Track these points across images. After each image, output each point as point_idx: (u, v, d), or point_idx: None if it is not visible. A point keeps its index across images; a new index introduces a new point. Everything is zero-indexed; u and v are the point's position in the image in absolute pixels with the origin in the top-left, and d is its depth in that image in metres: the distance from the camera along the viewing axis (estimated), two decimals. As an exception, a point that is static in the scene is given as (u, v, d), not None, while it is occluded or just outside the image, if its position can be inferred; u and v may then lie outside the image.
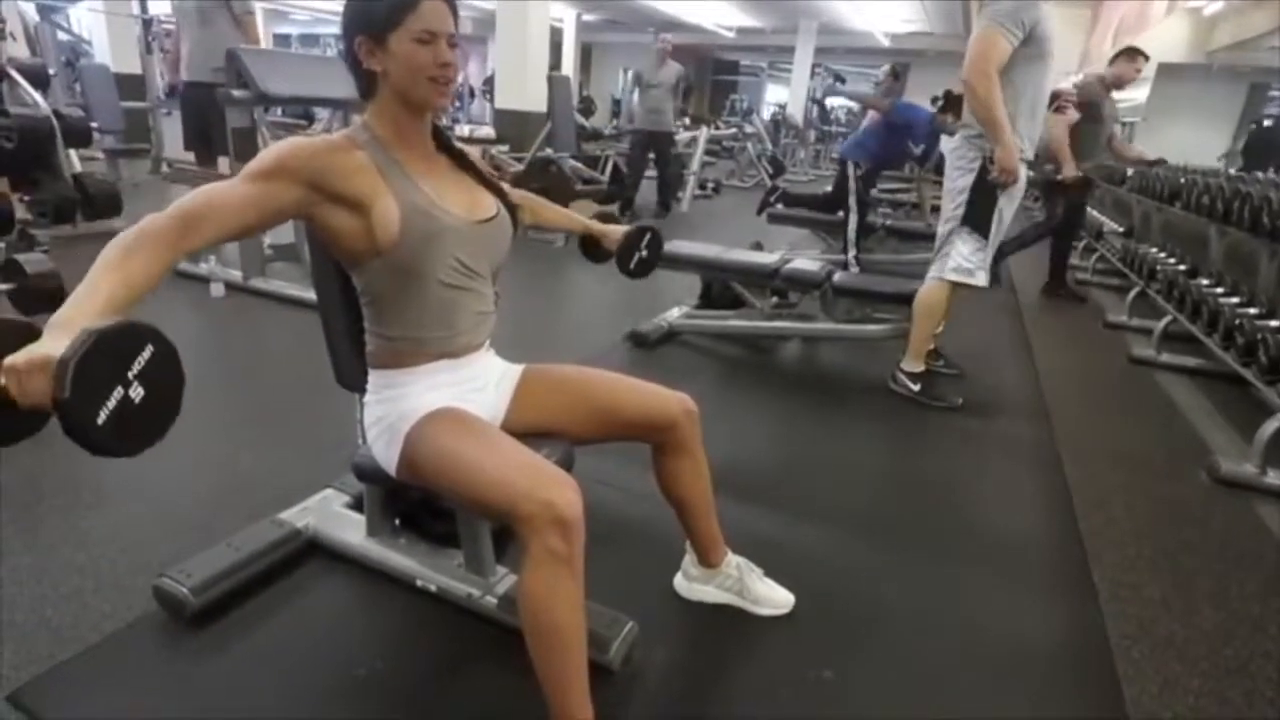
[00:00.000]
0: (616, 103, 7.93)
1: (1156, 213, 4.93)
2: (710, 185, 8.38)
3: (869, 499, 2.10)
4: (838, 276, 3.00)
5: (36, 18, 7.92)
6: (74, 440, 0.72)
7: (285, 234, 3.63)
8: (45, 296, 2.30)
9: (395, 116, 1.15)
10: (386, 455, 1.21)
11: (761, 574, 1.54)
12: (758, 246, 4.24)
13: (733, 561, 1.51)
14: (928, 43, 14.83)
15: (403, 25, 1.08)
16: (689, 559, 1.53)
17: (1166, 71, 12.91)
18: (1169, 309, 3.60)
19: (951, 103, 4.13)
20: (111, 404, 0.73)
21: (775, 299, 3.23)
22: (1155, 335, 3.53)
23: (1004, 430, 2.69)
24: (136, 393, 0.75)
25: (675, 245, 3.28)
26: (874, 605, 1.62)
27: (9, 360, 0.72)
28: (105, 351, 0.72)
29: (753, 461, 2.24)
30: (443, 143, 1.25)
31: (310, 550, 1.58)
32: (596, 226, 1.70)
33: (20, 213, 4.19)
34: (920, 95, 6.73)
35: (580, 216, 1.70)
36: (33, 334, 0.79)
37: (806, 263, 3.17)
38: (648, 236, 1.74)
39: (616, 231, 1.69)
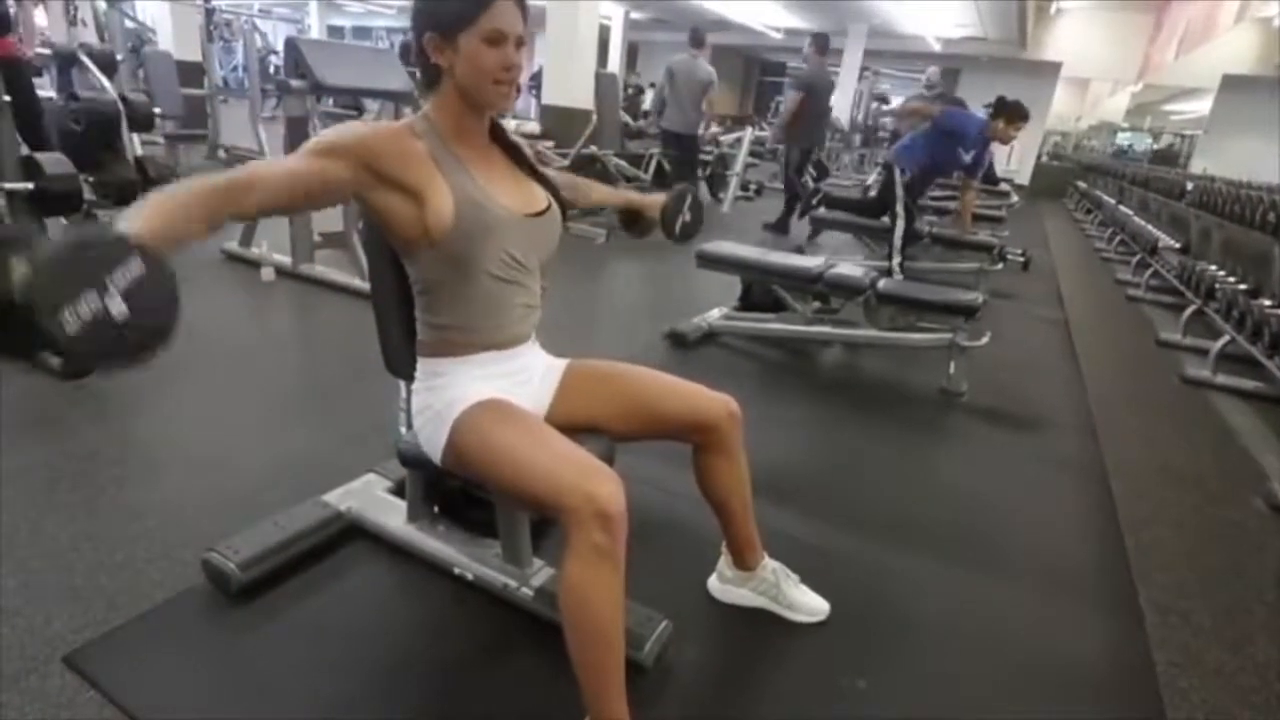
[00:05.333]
0: (664, 101, 7.80)
1: (1217, 229, 4.78)
2: (752, 187, 8.33)
3: (908, 508, 2.07)
4: (882, 283, 2.96)
5: (104, 4, 8.20)
6: (34, 338, 0.68)
7: (334, 222, 3.70)
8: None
9: (456, 111, 1.17)
10: (432, 442, 1.22)
11: (797, 580, 1.53)
12: (799, 250, 4.22)
13: (769, 566, 1.50)
14: (980, 48, 14.51)
15: (474, 25, 1.09)
16: (724, 560, 1.53)
17: (1232, 84, 12.50)
18: (1227, 329, 3.48)
19: (1003, 109, 4.03)
20: (84, 310, 0.68)
21: (817, 304, 3.20)
22: (1212, 355, 3.41)
23: (1049, 444, 2.63)
24: (118, 308, 0.71)
25: (717, 246, 3.28)
26: (910, 616, 1.60)
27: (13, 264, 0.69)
28: (83, 247, 0.67)
29: (791, 466, 2.22)
30: (499, 136, 1.27)
31: (352, 532, 1.61)
32: (638, 198, 1.71)
33: (85, 193, 4.36)
34: (972, 103, 6.58)
35: (624, 192, 1.73)
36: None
37: (850, 268, 3.13)
38: (689, 199, 1.75)
39: (657, 200, 1.70)
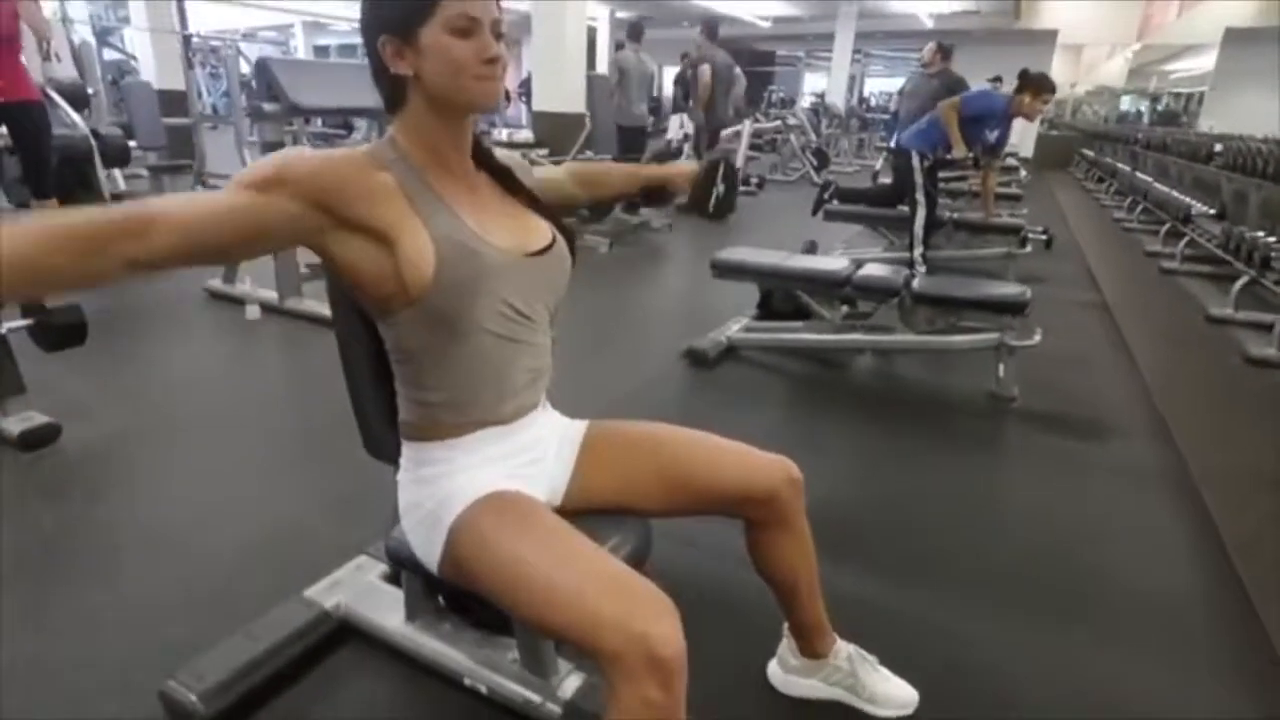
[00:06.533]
0: (654, 99, 7.60)
1: (1255, 191, 4.49)
2: (754, 181, 8.06)
3: (981, 549, 1.81)
4: (917, 283, 2.70)
5: (86, 38, 7.98)
6: None
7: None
8: (67, 333, 2.14)
9: (429, 130, 0.92)
10: (426, 549, 0.98)
11: (876, 663, 1.27)
12: (812, 246, 3.95)
13: (843, 652, 1.25)
14: (975, 22, 14.17)
15: (436, 14, 0.85)
16: (788, 645, 1.28)
17: (1235, 37, 12.14)
18: (1293, 304, 3.20)
19: (1029, 83, 3.76)
20: None
21: (845, 308, 2.94)
22: (1277, 332, 3.13)
23: (1121, 452, 2.36)
24: None
25: (732, 252, 3.03)
26: (1008, 695, 1.34)
27: None
28: None
29: (838, 505, 1.96)
30: (484, 159, 1.02)
31: (342, 633, 1.37)
32: (660, 172, 1.41)
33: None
34: (968, 77, 6.23)
35: (644, 168, 1.43)
36: None
37: (880, 268, 2.87)
38: (721, 168, 1.51)
39: (684, 170, 1.42)
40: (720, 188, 1.51)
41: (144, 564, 1.61)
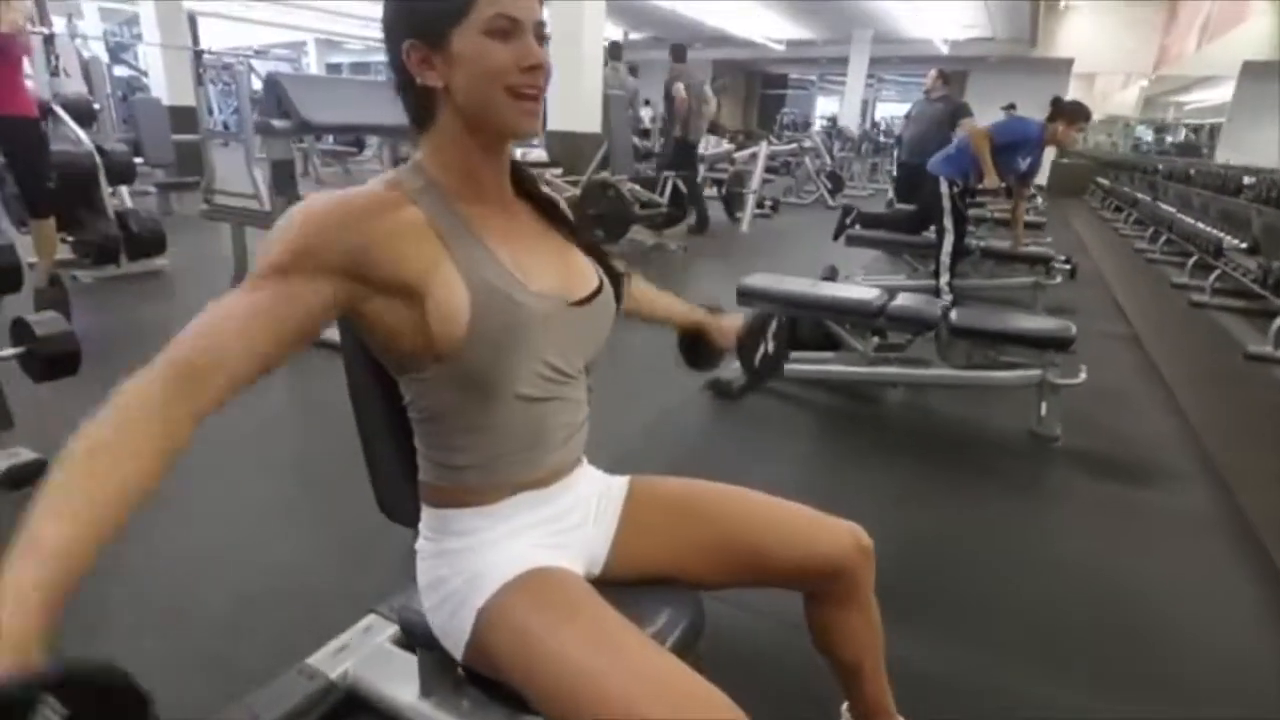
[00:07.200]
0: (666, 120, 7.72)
1: (1291, 225, 4.38)
2: (769, 203, 7.99)
3: (1036, 607, 1.67)
4: (955, 315, 2.58)
5: (98, 54, 7.99)
6: None
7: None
8: (59, 362, 2.03)
9: (462, 152, 0.80)
10: (450, 632, 0.85)
11: (945, 750, 1.14)
12: (832, 272, 3.84)
13: (909, 738, 1.11)
14: (989, 49, 14.21)
15: (470, 15, 0.73)
16: (847, 728, 1.14)
17: (1253, 70, 12.08)
18: (1345, 343, 3.07)
19: (1062, 111, 3.65)
20: None
21: (876, 339, 2.82)
22: (1327, 374, 3.00)
23: (1175, 498, 2.22)
24: None
25: (757, 279, 2.91)
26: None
27: None
28: None
29: (879, 553, 1.82)
30: (524, 186, 0.90)
31: (349, 706, 1.23)
32: (705, 318, 1.29)
33: (64, 253, 4.05)
34: (981, 104, 6.18)
35: (692, 309, 1.30)
36: None
37: (914, 298, 2.75)
38: (772, 325, 1.37)
39: (729, 324, 1.29)
40: (770, 344, 1.38)
41: (138, 623, 1.49)
